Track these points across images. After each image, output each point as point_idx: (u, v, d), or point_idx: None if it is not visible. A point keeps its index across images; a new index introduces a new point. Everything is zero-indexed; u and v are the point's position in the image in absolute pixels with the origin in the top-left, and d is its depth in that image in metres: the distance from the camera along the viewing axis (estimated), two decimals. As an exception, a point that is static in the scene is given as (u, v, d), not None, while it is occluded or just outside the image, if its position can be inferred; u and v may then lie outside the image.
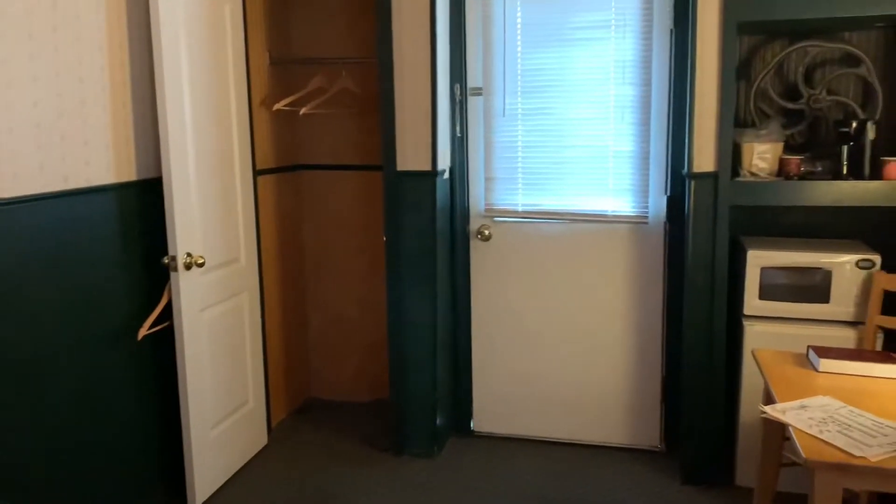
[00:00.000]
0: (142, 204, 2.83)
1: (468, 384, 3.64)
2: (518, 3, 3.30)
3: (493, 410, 3.64)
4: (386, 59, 3.20)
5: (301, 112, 3.60)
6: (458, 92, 3.38)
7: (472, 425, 3.68)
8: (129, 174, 2.78)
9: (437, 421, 3.43)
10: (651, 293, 3.37)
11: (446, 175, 3.38)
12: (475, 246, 3.54)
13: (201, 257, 2.88)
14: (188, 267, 2.82)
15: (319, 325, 4.13)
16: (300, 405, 4.09)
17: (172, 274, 2.80)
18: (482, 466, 3.35)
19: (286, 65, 3.81)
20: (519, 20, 3.31)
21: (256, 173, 3.45)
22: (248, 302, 3.35)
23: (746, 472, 2.99)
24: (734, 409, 3.05)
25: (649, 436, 3.46)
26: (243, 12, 3.27)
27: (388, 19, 3.16)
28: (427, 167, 3.23)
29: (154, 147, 2.89)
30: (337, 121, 3.89)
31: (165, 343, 2.93)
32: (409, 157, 3.24)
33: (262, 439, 3.53)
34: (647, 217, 3.31)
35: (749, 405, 2.94)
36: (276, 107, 3.62)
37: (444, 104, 3.30)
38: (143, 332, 2.79)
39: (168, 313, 2.86)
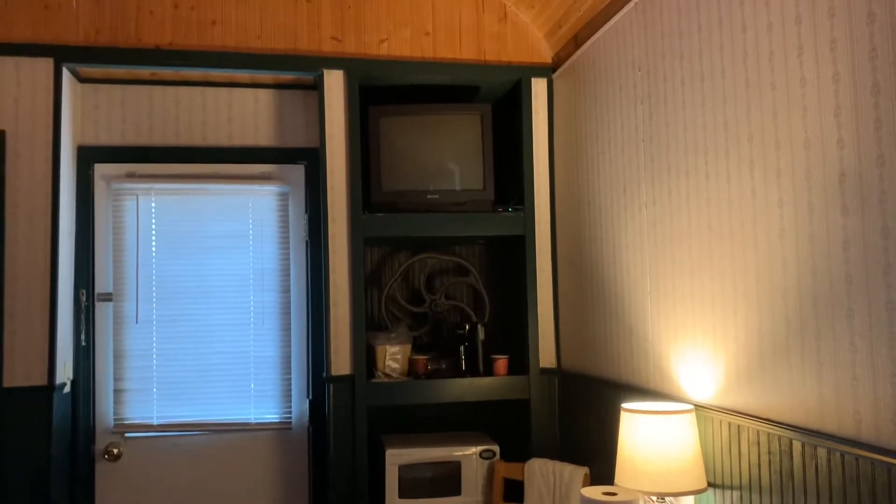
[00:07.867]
0: None
1: None
2: (152, 212, 3.25)
3: None
4: (-5, 262, 2.86)
5: None
6: (83, 297, 3.13)
7: None
8: None
9: None
10: (296, 501, 3.26)
11: (67, 388, 3.02)
12: (101, 469, 3.14)
13: None
14: None
15: None
16: None
17: None
18: None
19: None
20: (153, 227, 3.24)
21: None
22: None
23: None
24: None
25: None
26: None
27: (1, 217, 2.87)
28: (42, 381, 2.85)
29: None
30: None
31: None
32: (20, 372, 2.84)
33: None
34: (290, 422, 3.28)
35: None
36: None
37: (67, 310, 3.02)
38: None
39: None
